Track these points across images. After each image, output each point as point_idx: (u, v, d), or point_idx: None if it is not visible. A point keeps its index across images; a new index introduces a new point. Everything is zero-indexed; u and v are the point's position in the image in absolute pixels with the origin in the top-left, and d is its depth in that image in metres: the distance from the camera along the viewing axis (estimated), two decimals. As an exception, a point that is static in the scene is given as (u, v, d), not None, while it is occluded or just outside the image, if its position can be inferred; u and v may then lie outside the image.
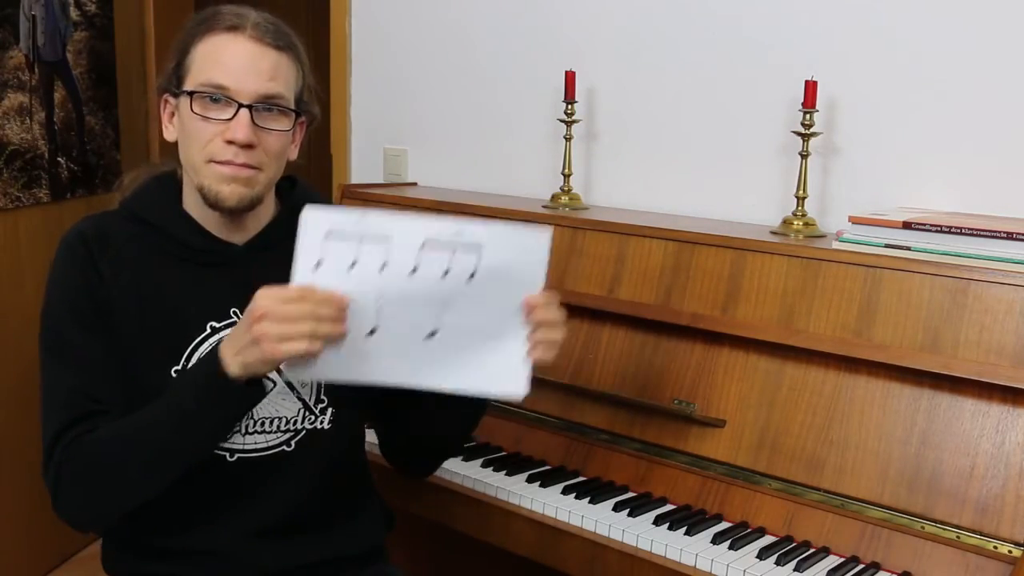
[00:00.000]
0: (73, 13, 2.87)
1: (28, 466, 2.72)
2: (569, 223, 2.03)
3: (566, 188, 2.28)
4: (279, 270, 1.30)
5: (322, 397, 1.48)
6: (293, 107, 1.43)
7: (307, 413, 1.47)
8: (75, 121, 2.90)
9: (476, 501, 1.76)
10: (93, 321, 1.40)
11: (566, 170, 2.28)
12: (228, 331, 1.37)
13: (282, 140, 1.42)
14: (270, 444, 1.45)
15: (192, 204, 1.47)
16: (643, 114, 2.28)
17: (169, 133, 1.45)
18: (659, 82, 2.24)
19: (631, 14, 2.27)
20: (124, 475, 1.34)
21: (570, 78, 2.23)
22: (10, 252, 2.65)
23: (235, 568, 1.46)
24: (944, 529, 1.49)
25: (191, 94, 1.39)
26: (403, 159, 2.76)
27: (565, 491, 1.73)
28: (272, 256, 1.42)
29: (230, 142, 1.37)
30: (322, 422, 1.48)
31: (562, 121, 2.25)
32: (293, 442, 1.47)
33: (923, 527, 1.51)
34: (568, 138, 2.26)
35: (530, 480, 1.77)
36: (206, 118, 1.38)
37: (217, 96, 1.37)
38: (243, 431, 1.44)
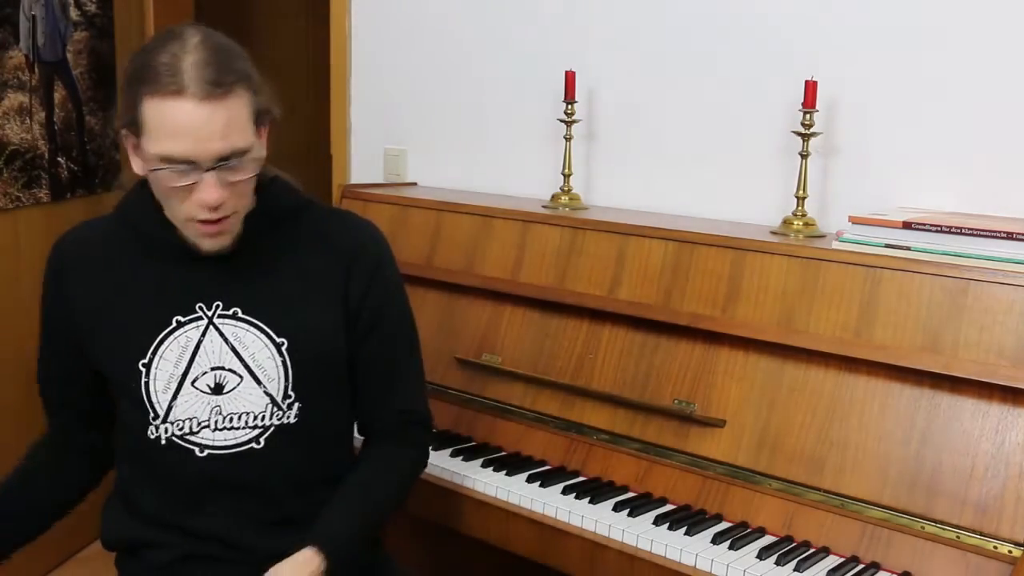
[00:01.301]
0: (73, 13, 2.87)
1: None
2: (569, 223, 2.03)
3: (566, 188, 2.28)
4: (248, 266, 1.47)
5: (289, 393, 1.49)
6: (249, 145, 1.38)
7: (274, 408, 1.48)
8: (75, 121, 2.90)
9: (476, 501, 1.76)
10: (51, 328, 1.56)
11: (566, 170, 2.28)
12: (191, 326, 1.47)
13: (250, 181, 1.41)
14: (239, 440, 1.47)
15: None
16: (643, 114, 2.28)
17: (137, 166, 1.40)
18: (659, 82, 2.24)
19: (631, 14, 2.27)
20: None
21: (570, 78, 2.23)
22: (10, 252, 2.65)
23: (228, 548, 1.49)
24: (944, 529, 1.49)
25: (152, 165, 1.35)
26: (403, 159, 2.76)
27: (565, 491, 1.73)
28: (241, 252, 1.47)
29: (193, 202, 1.37)
30: (288, 416, 1.49)
31: (562, 121, 2.25)
32: (263, 439, 1.48)
33: (923, 527, 1.51)
34: (568, 138, 2.26)
35: (530, 480, 1.77)
36: (174, 187, 1.36)
37: (177, 168, 1.34)
38: (212, 427, 1.46)
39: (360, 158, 2.87)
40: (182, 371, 1.46)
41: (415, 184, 2.69)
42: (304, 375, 1.49)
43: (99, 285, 1.49)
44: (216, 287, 1.47)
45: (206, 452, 1.47)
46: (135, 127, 1.35)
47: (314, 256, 1.52)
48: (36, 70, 2.71)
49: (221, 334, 1.46)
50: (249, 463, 1.48)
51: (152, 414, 1.46)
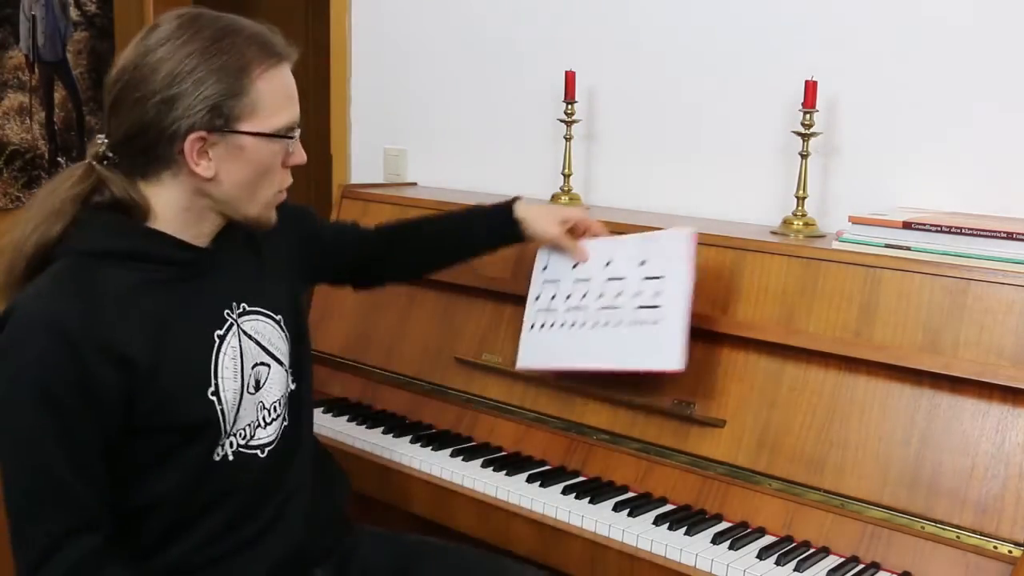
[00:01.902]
0: (73, 13, 2.87)
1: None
2: (569, 223, 2.02)
3: (566, 188, 2.28)
4: (235, 258, 1.45)
5: (292, 360, 1.52)
6: None
7: (289, 379, 1.51)
8: (75, 121, 2.90)
9: (476, 501, 1.76)
10: (77, 418, 1.27)
11: (566, 170, 2.28)
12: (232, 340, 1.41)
13: None
14: (279, 425, 1.48)
15: (170, 221, 1.37)
16: (643, 114, 2.28)
17: (206, 169, 1.33)
18: (659, 82, 2.24)
19: (631, 14, 2.27)
20: None
21: (570, 78, 2.23)
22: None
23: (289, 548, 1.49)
24: (944, 529, 1.49)
25: (274, 136, 1.35)
26: (403, 159, 2.76)
27: (565, 491, 1.73)
28: (229, 247, 1.45)
29: (288, 167, 1.41)
30: (291, 383, 1.52)
31: (562, 121, 2.25)
32: (287, 413, 1.50)
33: (923, 527, 1.51)
34: (568, 138, 2.26)
35: (530, 480, 1.77)
36: (284, 158, 1.38)
37: (294, 134, 1.39)
38: (262, 424, 1.45)
39: (360, 158, 2.87)
40: (239, 384, 1.41)
41: (415, 184, 2.69)
42: (293, 339, 1.53)
43: (147, 335, 1.32)
44: (226, 288, 1.44)
45: (266, 452, 1.45)
46: (230, 115, 1.31)
47: (269, 236, 1.51)
48: (36, 70, 2.71)
49: (245, 332, 1.44)
50: (290, 443, 1.50)
51: (222, 435, 1.39)
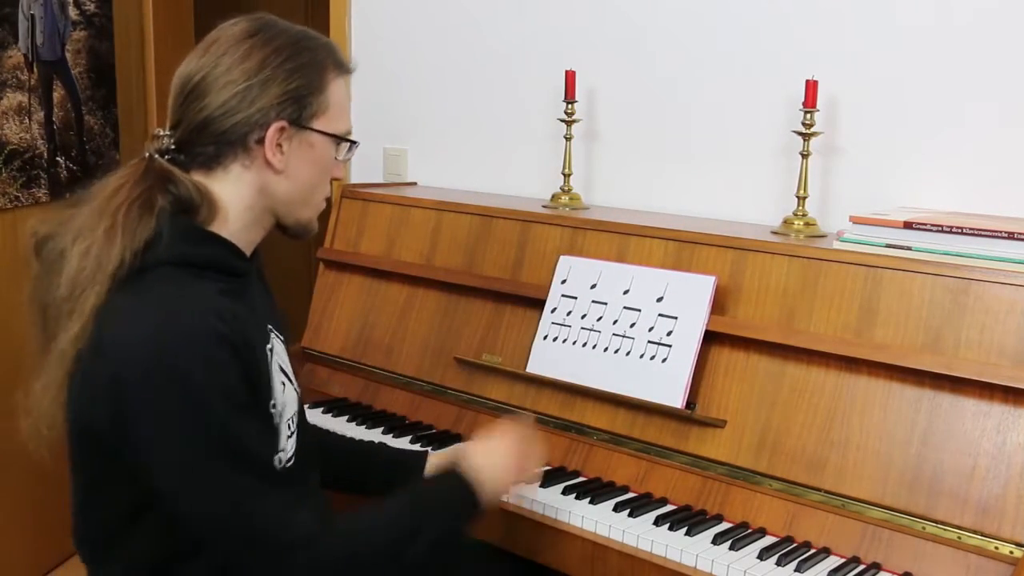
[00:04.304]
0: (72, 12, 2.86)
1: (28, 466, 2.71)
2: (569, 223, 2.02)
3: (566, 188, 2.28)
4: (258, 282, 1.47)
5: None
6: None
7: (299, 397, 1.50)
8: (74, 121, 2.89)
9: (476, 501, 1.75)
10: (251, 400, 1.30)
11: (566, 170, 2.28)
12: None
13: None
14: (296, 443, 1.44)
15: (232, 223, 1.37)
16: (643, 114, 2.27)
17: (279, 161, 1.36)
18: (659, 82, 2.24)
19: (631, 14, 2.26)
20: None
21: (570, 78, 2.23)
22: (9, 252, 2.64)
23: None
24: (945, 530, 1.49)
25: (339, 140, 1.42)
26: (403, 159, 2.76)
27: (565, 491, 1.72)
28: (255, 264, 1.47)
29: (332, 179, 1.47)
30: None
31: (562, 121, 2.25)
32: (299, 431, 1.47)
33: (924, 528, 1.51)
34: (568, 138, 2.26)
35: (530, 480, 1.77)
36: (336, 164, 1.44)
37: (350, 140, 1.44)
38: (285, 436, 1.39)
39: (360, 158, 2.86)
40: (283, 397, 1.39)
41: (415, 184, 2.69)
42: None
43: (261, 344, 1.36)
44: (260, 304, 1.44)
45: (284, 465, 1.41)
46: (306, 112, 1.36)
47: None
48: (35, 69, 2.71)
49: (273, 349, 1.41)
50: (301, 457, 1.46)
51: (288, 437, 1.40)
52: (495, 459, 1.48)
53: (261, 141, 1.34)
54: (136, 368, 1.22)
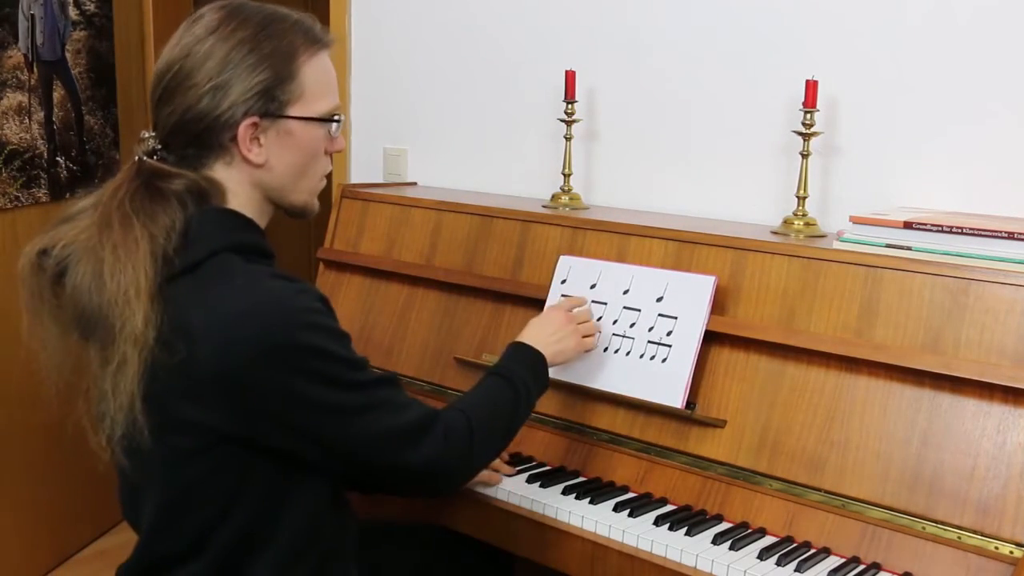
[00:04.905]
0: (72, 12, 2.86)
1: (29, 466, 2.71)
2: (569, 223, 2.02)
3: (566, 188, 2.28)
4: None
5: None
6: None
7: None
8: (74, 121, 2.89)
9: (475, 502, 1.75)
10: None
11: (566, 170, 2.28)
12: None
13: None
14: None
15: (255, 212, 1.41)
16: (643, 114, 2.27)
17: (257, 155, 1.36)
18: (659, 82, 2.24)
19: (631, 14, 2.26)
20: (505, 435, 1.58)
21: (570, 78, 2.23)
22: (9, 252, 2.64)
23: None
24: (945, 530, 1.49)
25: (320, 120, 1.39)
26: (403, 159, 2.76)
27: (565, 491, 1.73)
28: None
29: (329, 154, 1.45)
30: None
31: (562, 121, 2.25)
32: None
33: (924, 528, 1.51)
34: (568, 138, 2.26)
35: (530, 480, 1.77)
36: (329, 143, 1.42)
37: (337, 119, 1.41)
38: None
39: (360, 158, 2.87)
40: None
41: (415, 184, 2.69)
42: None
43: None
44: None
45: None
46: (280, 99, 1.34)
47: None
48: (35, 69, 2.71)
49: None
50: None
51: None
52: (544, 326, 1.72)
53: (235, 139, 1.34)
54: (251, 348, 1.24)
